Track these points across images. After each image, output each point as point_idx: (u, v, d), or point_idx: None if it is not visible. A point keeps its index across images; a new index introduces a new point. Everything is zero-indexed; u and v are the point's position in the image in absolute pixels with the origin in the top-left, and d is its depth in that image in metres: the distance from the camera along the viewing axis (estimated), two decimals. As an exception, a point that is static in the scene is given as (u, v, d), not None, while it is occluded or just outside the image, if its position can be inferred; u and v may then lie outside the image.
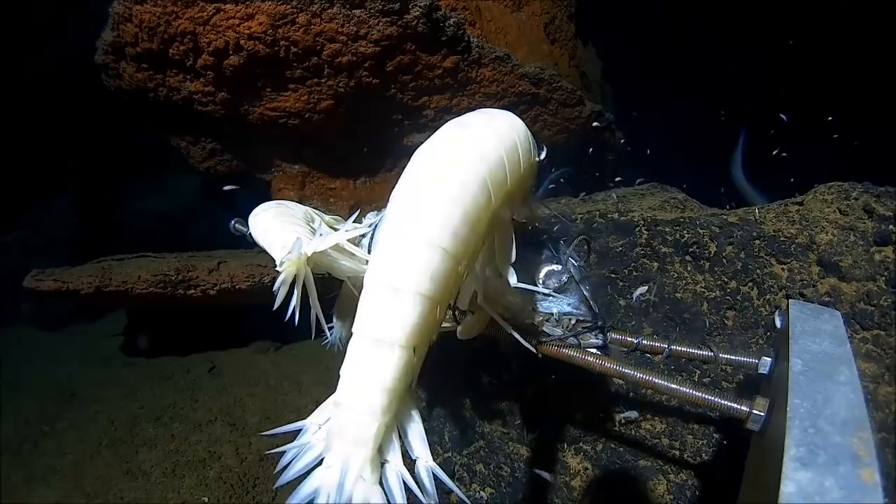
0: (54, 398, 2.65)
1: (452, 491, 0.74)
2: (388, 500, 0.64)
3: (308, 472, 0.69)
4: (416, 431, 0.71)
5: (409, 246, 0.64)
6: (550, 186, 1.04)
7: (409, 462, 0.70)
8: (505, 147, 0.73)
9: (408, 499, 0.66)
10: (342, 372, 0.67)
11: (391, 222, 0.67)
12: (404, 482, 0.67)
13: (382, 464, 0.67)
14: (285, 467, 0.72)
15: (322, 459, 0.68)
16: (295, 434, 0.76)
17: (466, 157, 0.69)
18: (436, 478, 0.69)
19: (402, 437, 0.70)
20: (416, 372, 0.70)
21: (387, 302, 0.64)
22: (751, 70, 4.87)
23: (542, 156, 0.86)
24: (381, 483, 0.66)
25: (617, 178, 2.88)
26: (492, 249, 0.87)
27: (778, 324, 1.03)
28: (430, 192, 0.66)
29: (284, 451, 0.74)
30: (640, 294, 1.52)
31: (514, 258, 0.87)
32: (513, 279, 0.90)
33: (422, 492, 0.67)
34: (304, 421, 0.76)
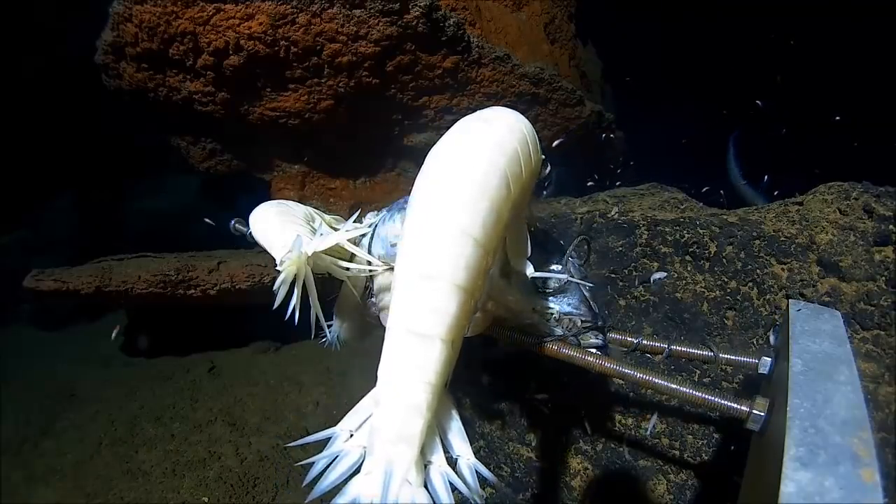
0: (54, 398, 2.65)
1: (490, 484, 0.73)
2: (434, 502, 0.61)
3: (345, 482, 0.65)
4: (456, 429, 0.69)
5: (442, 236, 0.64)
6: (547, 189, 1.05)
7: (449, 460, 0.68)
8: (518, 141, 0.74)
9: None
10: (381, 368, 0.65)
11: (419, 212, 0.67)
12: (450, 482, 0.64)
13: (426, 465, 0.64)
14: (317, 479, 0.67)
15: (360, 467, 0.65)
16: (325, 443, 0.72)
17: (488, 149, 0.70)
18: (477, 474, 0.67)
19: (442, 436, 0.68)
20: (453, 367, 0.67)
21: (424, 294, 0.63)
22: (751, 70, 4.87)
23: (547, 171, 0.87)
24: (425, 485, 0.63)
25: (618, 183, 2.88)
26: (511, 247, 0.87)
27: (772, 340, 1.03)
28: (458, 183, 0.66)
29: (314, 462, 0.69)
30: (658, 279, 1.50)
31: (529, 252, 0.88)
32: (529, 270, 0.91)
33: (468, 489, 0.65)
34: (335, 427, 0.72)
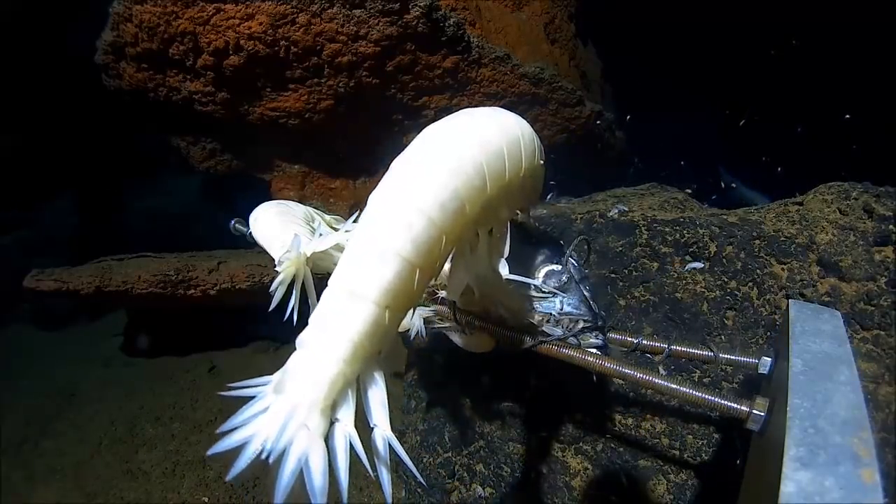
0: (54, 398, 2.65)
1: (410, 470, 0.68)
2: (329, 460, 0.59)
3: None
4: (379, 398, 0.67)
5: (396, 210, 0.66)
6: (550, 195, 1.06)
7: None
8: (507, 141, 0.75)
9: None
10: (311, 317, 0.65)
11: (383, 186, 0.69)
12: (351, 447, 0.62)
13: (332, 423, 0.63)
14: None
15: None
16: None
17: (465, 139, 0.71)
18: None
19: (363, 404, 0.67)
20: (386, 337, 0.67)
21: (366, 258, 0.65)
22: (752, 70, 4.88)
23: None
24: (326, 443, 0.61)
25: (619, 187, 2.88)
26: (489, 246, 0.88)
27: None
28: (424, 164, 0.69)
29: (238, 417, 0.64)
30: (694, 267, 1.48)
31: (506, 253, 0.89)
32: (504, 270, 0.92)
33: (375, 459, 0.63)
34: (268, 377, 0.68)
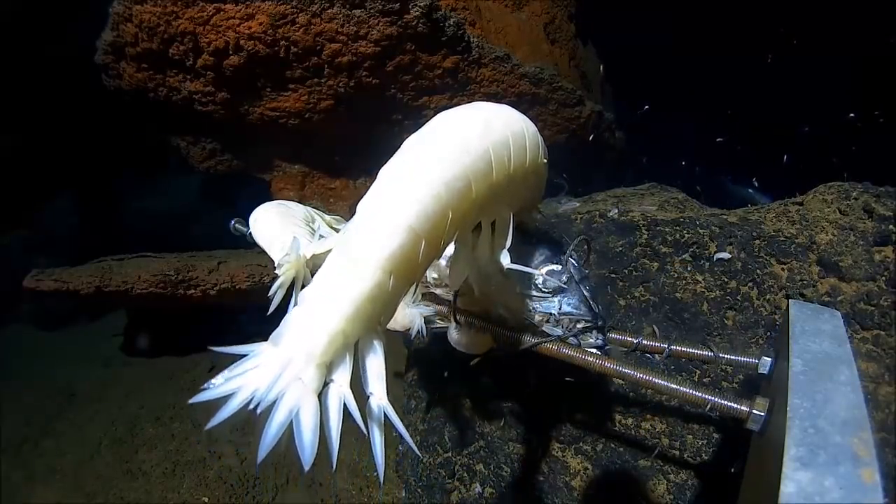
0: (54, 398, 2.65)
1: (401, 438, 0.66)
2: (321, 419, 0.56)
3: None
4: (377, 366, 0.66)
5: (405, 182, 0.68)
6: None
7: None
8: (512, 132, 0.79)
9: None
10: (314, 279, 0.65)
11: (393, 164, 0.72)
12: (345, 407, 0.59)
13: (327, 383, 0.61)
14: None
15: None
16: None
17: (474, 125, 0.75)
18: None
19: (361, 370, 0.65)
20: (388, 306, 0.67)
21: (373, 224, 0.66)
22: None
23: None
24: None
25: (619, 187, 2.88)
26: (491, 238, 0.88)
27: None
28: (434, 143, 0.73)
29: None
30: (722, 258, 1.47)
31: (509, 243, 0.90)
32: (506, 261, 0.93)
33: (368, 424, 0.61)
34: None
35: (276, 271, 0.95)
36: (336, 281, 0.63)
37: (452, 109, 0.78)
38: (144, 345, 3.02)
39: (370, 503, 2.01)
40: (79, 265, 2.36)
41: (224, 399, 0.56)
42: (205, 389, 0.57)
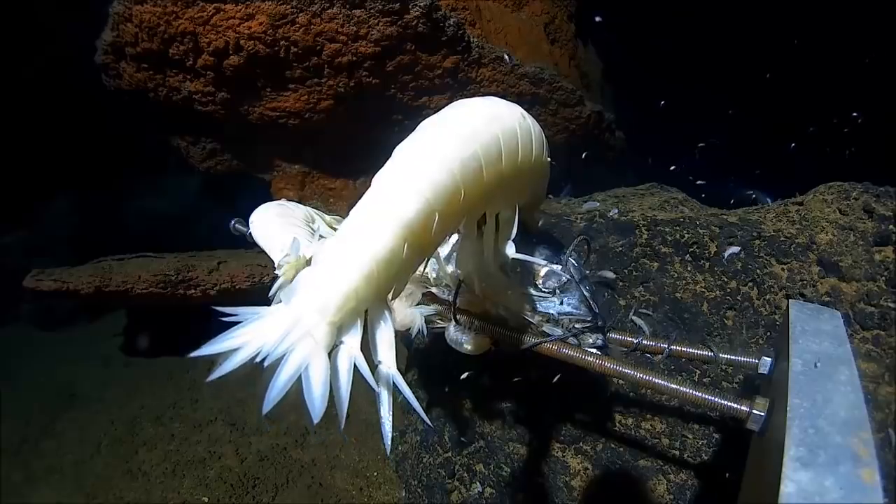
0: (54, 398, 2.65)
1: (415, 411, 0.66)
2: (329, 377, 0.55)
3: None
4: (386, 336, 0.66)
5: (420, 158, 0.70)
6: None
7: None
8: (519, 124, 0.81)
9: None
10: (327, 243, 0.65)
11: (409, 142, 0.74)
12: (356, 367, 0.58)
13: (337, 345, 0.60)
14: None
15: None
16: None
17: (485, 112, 0.78)
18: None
19: (370, 339, 0.65)
20: (400, 276, 0.67)
21: (389, 193, 0.67)
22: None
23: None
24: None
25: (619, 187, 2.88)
26: (496, 230, 0.89)
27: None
28: (448, 125, 0.75)
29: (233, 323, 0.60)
30: (733, 253, 1.46)
31: (514, 234, 0.92)
32: (511, 251, 0.94)
33: (375, 390, 0.60)
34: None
35: (276, 271, 0.95)
36: (352, 243, 0.64)
37: (466, 99, 0.81)
38: (144, 345, 3.02)
39: (370, 503, 2.01)
40: (79, 265, 2.36)
41: (229, 354, 0.54)
42: (210, 343, 0.55)
